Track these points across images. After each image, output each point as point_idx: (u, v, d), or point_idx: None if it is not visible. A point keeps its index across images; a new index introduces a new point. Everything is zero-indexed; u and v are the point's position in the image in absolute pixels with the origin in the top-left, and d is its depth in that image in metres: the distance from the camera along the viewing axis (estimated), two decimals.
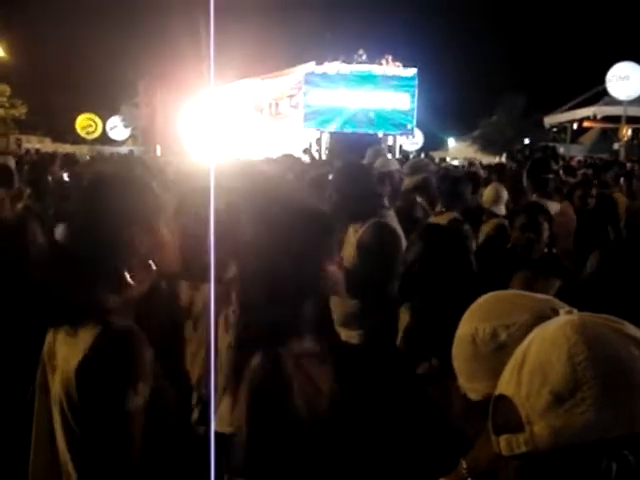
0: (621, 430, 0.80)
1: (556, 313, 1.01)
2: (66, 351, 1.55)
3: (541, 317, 1.03)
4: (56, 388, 1.56)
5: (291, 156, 7.58)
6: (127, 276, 1.60)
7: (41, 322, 1.67)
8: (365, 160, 5.67)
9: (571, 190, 6.18)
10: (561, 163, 12.85)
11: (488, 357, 1.15)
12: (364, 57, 20.42)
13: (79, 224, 1.65)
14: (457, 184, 4.59)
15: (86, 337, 1.51)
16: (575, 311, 0.98)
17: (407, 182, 4.94)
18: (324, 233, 1.85)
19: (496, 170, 9.48)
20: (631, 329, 0.87)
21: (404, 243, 3.20)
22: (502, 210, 4.82)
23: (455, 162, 22.79)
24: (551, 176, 4.96)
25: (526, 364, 0.87)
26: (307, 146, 19.54)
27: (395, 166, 5.30)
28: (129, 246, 1.59)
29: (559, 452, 0.82)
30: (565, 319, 0.90)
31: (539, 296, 1.20)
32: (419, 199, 4.71)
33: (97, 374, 1.48)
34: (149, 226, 1.64)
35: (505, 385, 0.90)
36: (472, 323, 1.20)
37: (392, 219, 3.56)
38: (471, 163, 15.85)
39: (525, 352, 0.89)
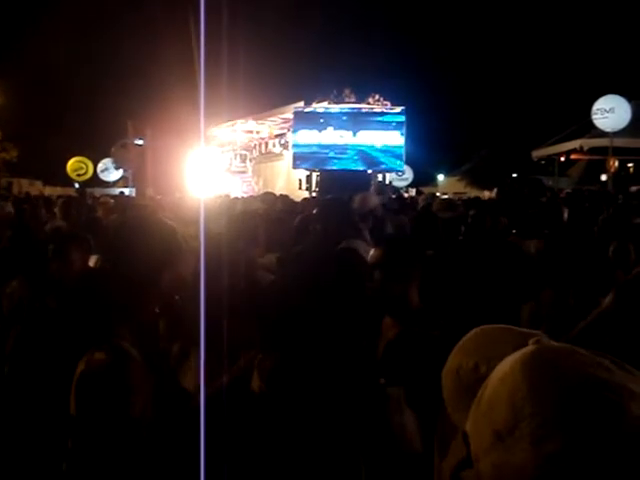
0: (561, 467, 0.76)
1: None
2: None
3: None
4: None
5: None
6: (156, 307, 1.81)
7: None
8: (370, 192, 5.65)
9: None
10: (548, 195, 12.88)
11: (469, 390, 1.16)
12: (352, 96, 20.58)
13: (115, 258, 1.89)
14: None
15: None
16: (542, 341, 0.91)
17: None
18: None
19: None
20: (585, 358, 0.82)
21: None
22: None
23: (445, 197, 22.90)
24: (531, 211, 4.90)
25: (481, 401, 0.88)
26: (297, 184, 19.62)
27: (375, 202, 5.28)
28: (157, 282, 1.79)
29: None
30: (520, 353, 0.87)
31: (525, 330, 1.20)
32: None
33: (87, 384, 1.70)
34: (174, 264, 1.82)
35: (467, 422, 0.91)
36: (458, 357, 1.25)
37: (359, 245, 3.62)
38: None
39: (483, 389, 0.89)
